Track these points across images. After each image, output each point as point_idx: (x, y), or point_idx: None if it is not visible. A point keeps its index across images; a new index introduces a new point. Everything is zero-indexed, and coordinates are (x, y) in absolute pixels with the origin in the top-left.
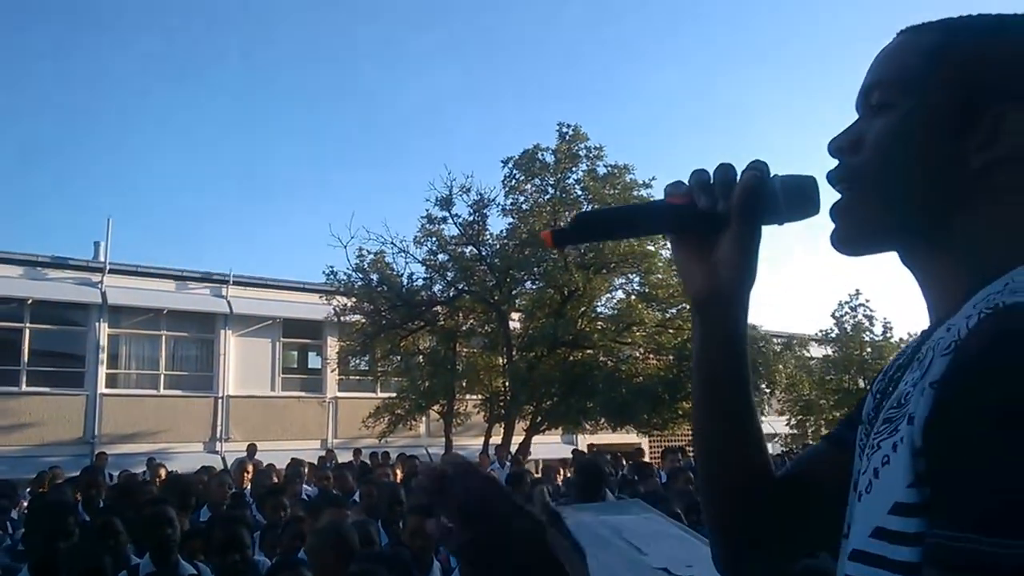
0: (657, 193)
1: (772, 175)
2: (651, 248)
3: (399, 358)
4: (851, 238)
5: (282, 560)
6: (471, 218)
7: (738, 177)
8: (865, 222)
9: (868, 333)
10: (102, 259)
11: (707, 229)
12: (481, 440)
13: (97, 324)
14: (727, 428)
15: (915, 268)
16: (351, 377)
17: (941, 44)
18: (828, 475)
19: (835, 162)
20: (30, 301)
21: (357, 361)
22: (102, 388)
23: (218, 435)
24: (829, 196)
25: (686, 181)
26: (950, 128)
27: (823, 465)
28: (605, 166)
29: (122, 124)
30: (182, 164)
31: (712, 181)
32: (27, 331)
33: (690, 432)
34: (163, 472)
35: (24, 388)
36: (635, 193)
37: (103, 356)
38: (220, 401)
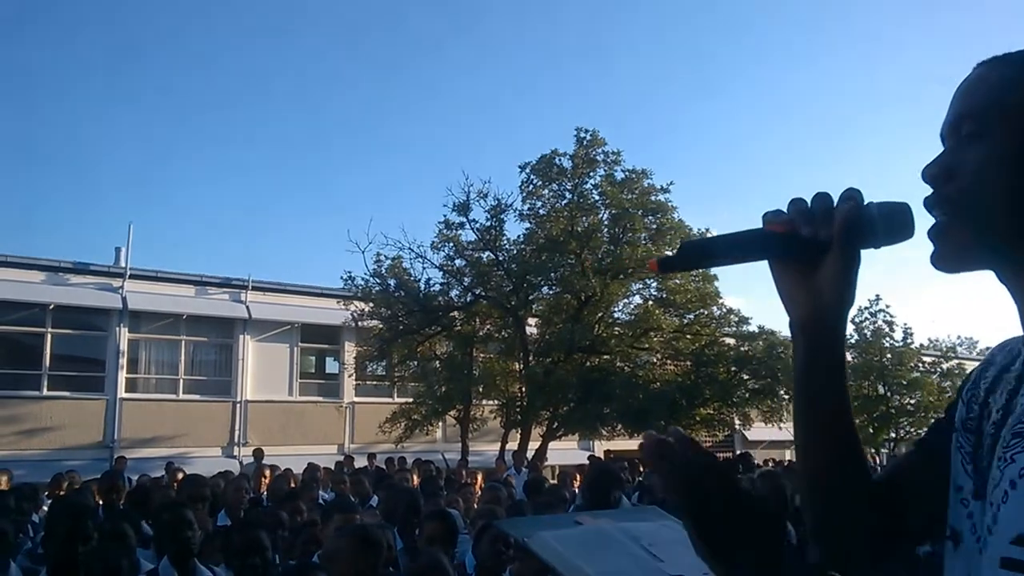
0: (674, 199)
1: (867, 202)
2: (668, 253)
3: (416, 363)
4: (949, 259)
5: (296, 564)
6: (488, 223)
7: (835, 204)
8: (962, 247)
9: (888, 339)
10: (123, 264)
11: (810, 256)
12: (497, 445)
13: (117, 329)
14: (830, 443)
15: (1012, 288)
16: (368, 382)
17: None
18: (921, 479)
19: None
20: (52, 306)
21: (374, 366)
22: (122, 393)
23: (236, 440)
24: (924, 218)
25: (784, 210)
26: None
27: (916, 469)
28: (623, 171)
29: (142, 131)
30: (202, 170)
31: (812, 209)
32: (48, 336)
33: (707, 437)
34: (180, 476)
35: (45, 392)
36: (652, 198)
37: (123, 361)
38: (238, 406)
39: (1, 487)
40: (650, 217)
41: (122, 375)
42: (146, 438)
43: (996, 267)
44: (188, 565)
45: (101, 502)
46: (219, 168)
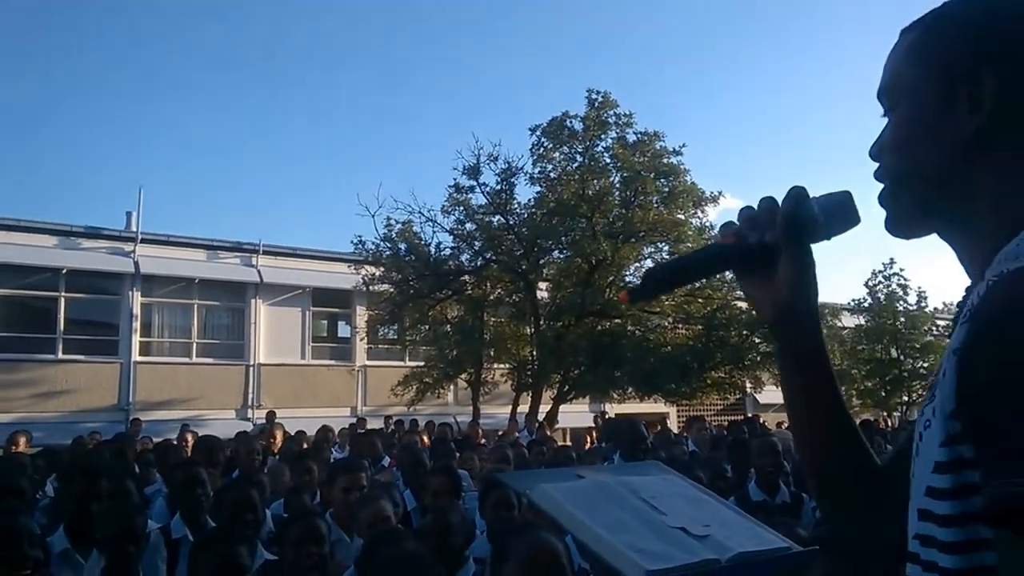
0: (687, 160)
1: (811, 198)
2: (680, 216)
3: (427, 327)
4: (895, 224)
5: (297, 513)
6: (499, 187)
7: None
8: (901, 210)
9: (902, 303)
10: (134, 229)
11: (763, 261)
12: (509, 409)
13: (130, 293)
14: (823, 438)
15: (950, 244)
16: (380, 346)
17: (918, 41)
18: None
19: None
20: (64, 271)
21: (386, 330)
22: (136, 356)
23: (249, 402)
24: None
25: (736, 220)
26: (938, 112)
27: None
28: (635, 133)
29: (152, 94)
30: (212, 133)
31: (756, 215)
32: (62, 300)
33: (717, 401)
34: (190, 438)
35: (60, 356)
36: (665, 161)
37: (136, 325)
38: (251, 369)
39: (20, 448)
40: (662, 180)
41: (136, 339)
42: (160, 401)
43: (935, 227)
44: (199, 521)
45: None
46: (228, 132)
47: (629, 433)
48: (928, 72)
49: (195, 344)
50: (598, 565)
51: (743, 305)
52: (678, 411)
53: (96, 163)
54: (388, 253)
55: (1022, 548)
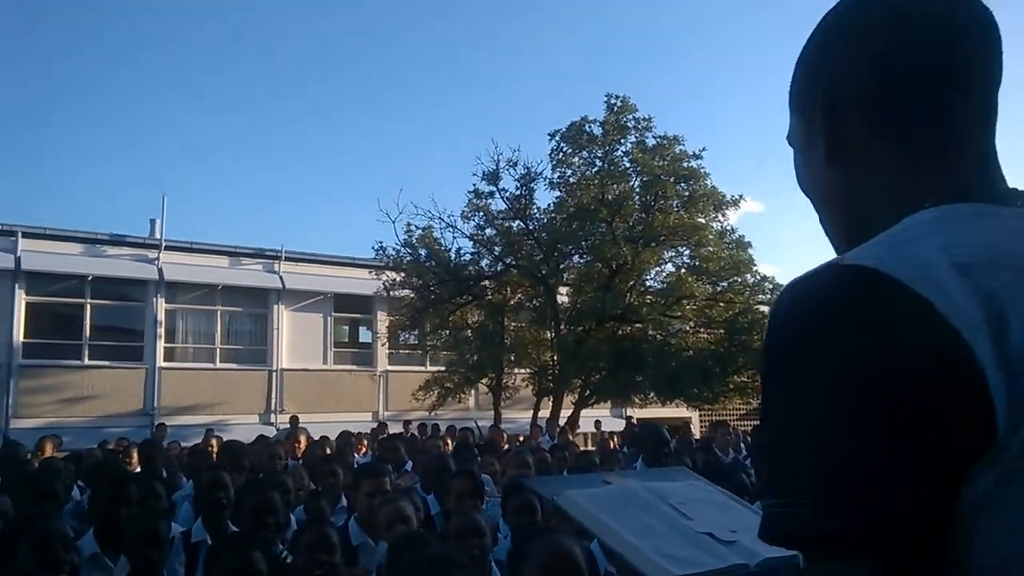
0: (707, 164)
1: None
2: (701, 220)
3: (448, 332)
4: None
5: (311, 519)
6: (518, 192)
7: None
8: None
9: None
10: (158, 236)
11: None
12: (530, 413)
13: (155, 299)
14: None
15: None
16: (401, 351)
17: (795, 79)
18: None
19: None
20: (90, 278)
21: (407, 335)
22: (160, 362)
23: (272, 407)
24: None
25: None
26: (811, 149)
27: None
28: (654, 137)
29: (174, 103)
30: (233, 140)
31: None
32: (88, 307)
33: (740, 405)
34: (215, 443)
35: (86, 362)
36: (684, 165)
37: (161, 331)
38: (274, 374)
39: (48, 453)
40: (682, 184)
41: (160, 344)
42: (185, 406)
43: None
44: (221, 526)
45: (141, 468)
46: (248, 140)
47: (652, 439)
48: (796, 116)
49: (219, 350)
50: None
51: (765, 309)
52: (700, 416)
53: (120, 171)
54: (408, 259)
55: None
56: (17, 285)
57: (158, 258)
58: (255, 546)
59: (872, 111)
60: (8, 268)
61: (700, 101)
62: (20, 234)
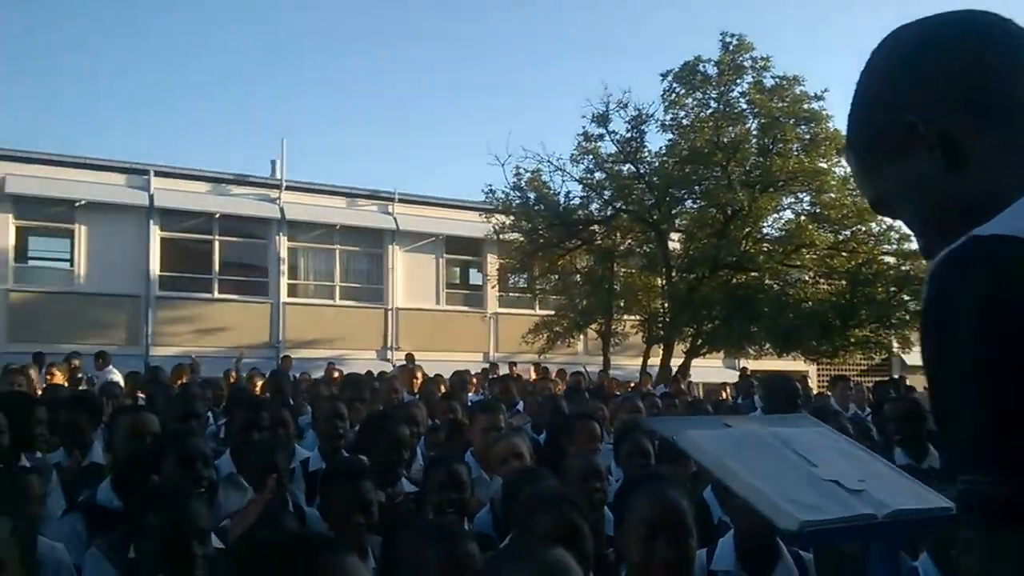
0: (829, 106)
1: None
2: (823, 164)
3: (557, 277)
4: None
5: (439, 455)
6: (629, 135)
7: None
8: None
9: None
10: (279, 176)
11: None
12: (639, 361)
13: (277, 238)
14: None
15: None
16: (510, 294)
17: (862, 93)
18: None
19: None
20: (218, 215)
21: (516, 279)
22: (284, 297)
23: (388, 344)
24: None
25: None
26: (912, 166)
27: None
28: (772, 77)
29: (293, 46)
30: (349, 84)
31: None
32: (216, 243)
33: (861, 360)
34: (336, 375)
35: (216, 295)
36: (805, 106)
37: (284, 268)
38: (390, 313)
39: (185, 380)
40: (803, 127)
41: (284, 281)
42: (307, 340)
43: None
44: (336, 456)
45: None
46: (365, 84)
47: (783, 389)
48: (870, 142)
49: (337, 287)
50: (743, 515)
51: (891, 260)
52: (818, 369)
53: (243, 113)
54: (518, 202)
55: (995, 542)
56: (152, 221)
57: (279, 198)
58: (364, 475)
59: (979, 125)
60: (143, 205)
61: (821, 39)
62: (152, 173)
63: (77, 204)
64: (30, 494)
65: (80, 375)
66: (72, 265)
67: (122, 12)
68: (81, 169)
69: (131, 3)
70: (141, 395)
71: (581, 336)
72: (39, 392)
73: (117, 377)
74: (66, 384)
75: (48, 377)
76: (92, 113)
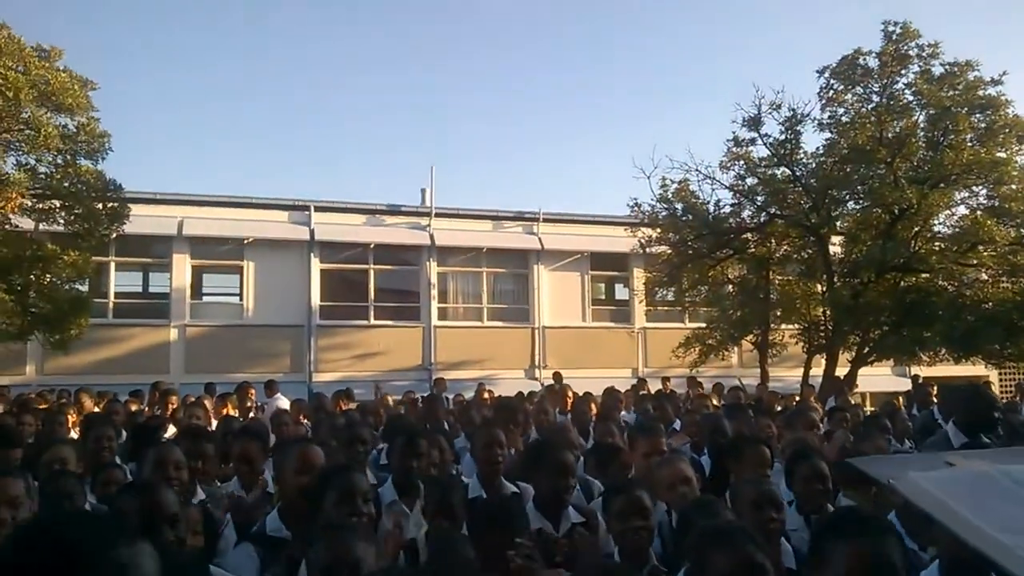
0: (1009, 91)
1: None
2: (1002, 155)
3: (707, 288)
4: None
5: (616, 484)
6: (782, 137)
7: None
8: None
9: None
10: (428, 204)
11: None
12: (798, 372)
13: (427, 263)
14: None
15: None
16: (659, 308)
17: None
18: None
19: None
20: (372, 245)
21: (664, 292)
22: (435, 321)
23: (536, 363)
24: None
25: None
26: None
27: None
28: (942, 65)
29: (437, 79)
30: (488, 110)
31: None
32: (371, 272)
33: None
34: (486, 395)
35: (372, 322)
36: (980, 92)
37: (434, 292)
38: (536, 331)
39: (345, 407)
40: (978, 115)
41: (434, 305)
42: (457, 361)
43: None
44: (495, 482)
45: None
46: (505, 110)
47: (975, 400)
48: None
49: (485, 309)
50: (954, 550)
51: None
52: (1001, 375)
53: (392, 146)
54: (664, 214)
55: None
56: (313, 254)
57: (429, 225)
58: (514, 513)
59: None
60: (304, 239)
61: (995, 17)
62: (312, 208)
63: (246, 241)
64: (192, 527)
65: (249, 403)
66: (241, 299)
67: (269, 67)
68: (248, 208)
69: (281, 61)
70: (305, 420)
71: (735, 348)
72: (213, 423)
73: (285, 404)
74: (237, 414)
75: (223, 410)
76: (253, 155)
